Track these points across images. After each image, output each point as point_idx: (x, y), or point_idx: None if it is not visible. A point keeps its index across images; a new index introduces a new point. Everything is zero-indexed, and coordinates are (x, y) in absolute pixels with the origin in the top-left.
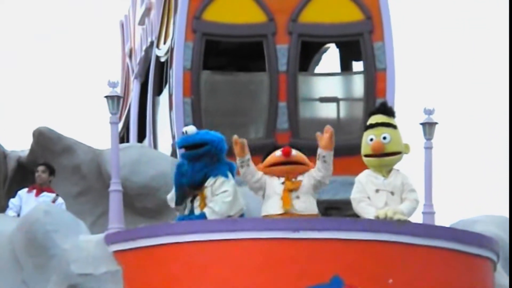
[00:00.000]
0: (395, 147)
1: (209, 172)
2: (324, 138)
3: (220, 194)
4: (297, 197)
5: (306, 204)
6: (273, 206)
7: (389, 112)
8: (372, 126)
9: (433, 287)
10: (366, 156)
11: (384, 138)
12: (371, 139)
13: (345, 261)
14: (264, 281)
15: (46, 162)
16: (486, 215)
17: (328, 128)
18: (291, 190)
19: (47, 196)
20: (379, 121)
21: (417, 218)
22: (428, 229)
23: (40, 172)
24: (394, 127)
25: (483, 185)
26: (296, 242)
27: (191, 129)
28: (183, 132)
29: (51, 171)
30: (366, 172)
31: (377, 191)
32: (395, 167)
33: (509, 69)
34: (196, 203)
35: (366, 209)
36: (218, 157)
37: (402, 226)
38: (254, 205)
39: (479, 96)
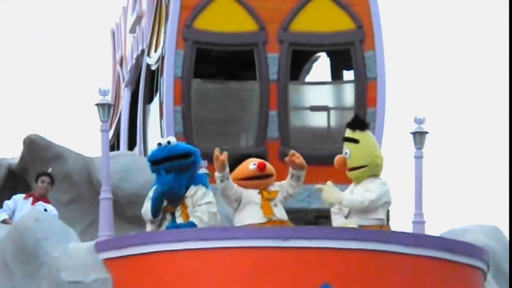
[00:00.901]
0: (354, 162)
1: (190, 182)
2: (299, 160)
3: (205, 205)
4: (275, 205)
5: (283, 212)
6: (253, 216)
7: (354, 126)
8: (342, 140)
9: None
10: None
11: (346, 153)
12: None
13: (334, 270)
14: None
15: (47, 172)
16: (476, 225)
17: (293, 152)
18: (269, 199)
19: (41, 206)
20: (345, 136)
21: (407, 227)
22: (418, 239)
23: (46, 184)
24: (356, 141)
25: (473, 194)
26: (286, 251)
27: (174, 139)
28: (159, 143)
29: (53, 182)
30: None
31: None
32: (382, 176)
33: (509, 73)
34: (177, 213)
35: (333, 218)
36: (196, 168)
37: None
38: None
39: (469, 106)
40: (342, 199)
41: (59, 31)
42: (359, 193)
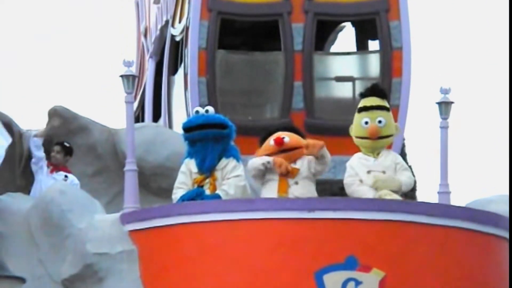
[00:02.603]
0: (389, 130)
1: (222, 154)
2: (315, 145)
3: (233, 178)
4: (296, 183)
5: (305, 190)
6: (270, 192)
7: (383, 94)
8: (367, 108)
9: (449, 266)
10: (359, 138)
11: (380, 121)
12: (366, 122)
13: (360, 241)
14: (278, 261)
15: (62, 141)
16: (501, 195)
17: (306, 144)
18: (287, 176)
19: (61, 174)
20: (374, 104)
21: (432, 197)
22: (444, 209)
23: (55, 153)
24: (388, 109)
25: (499, 164)
26: (311, 222)
27: (212, 109)
28: (197, 111)
29: (67, 151)
30: (357, 155)
31: (368, 172)
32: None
33: (509, 72)
34: (206, 185)
35: (359, 190)
36: (229, 142)
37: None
38: None
39: (495, 75)
40: (402, 185)
41: (84, 3)
42: (387, 165)
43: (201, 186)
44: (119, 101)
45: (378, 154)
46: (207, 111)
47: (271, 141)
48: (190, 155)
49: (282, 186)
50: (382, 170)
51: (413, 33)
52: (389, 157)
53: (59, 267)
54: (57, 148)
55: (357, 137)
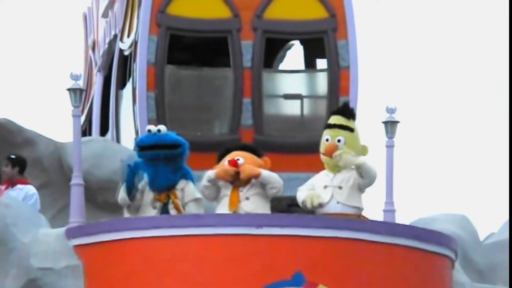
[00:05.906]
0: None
1: (180, 175)
2: (248, 173)
3: (193, 202)
4: (247, 199)
5: (254, 205)
6: (222, 208)
7: (348, 114)
8: (331, 126)
9: (392, 284)
10: (322, 154)
11: (339, 140)
12: (327, 139)
13: (306, 257)
14: (226, 277)
15: (9, 155)
16: (445, 214)
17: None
18: (240, 191)
19: (19, 189)
20: (337, 122)
21: (378, 215)
22: (389, 227)
23: (4, 167)
24: (351, 130)
25: (442, 183)
26: (258, 238)
27: (164, 128)
28: (149, 130)
29: (14, 163)
30: (322, 172)
31: (325, 187)
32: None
33: (509, 73)
34: (170, 205)
35: (299, 193)
36: (183, 160)
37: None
38: None
39: (440, 95)
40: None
41: (30, 13)
42: (346, 178)
43: (165, 204)
44: (66, 115)
45: (339, 171)
46: (159, 130)
47: (226, 161)
48: (144, 171)
49: (233, 201)
50: (339, 185)
51: (360, 52)
52: (349, 173)
53: (2, 282)
54: (5, 162)
55: (321, 153)
